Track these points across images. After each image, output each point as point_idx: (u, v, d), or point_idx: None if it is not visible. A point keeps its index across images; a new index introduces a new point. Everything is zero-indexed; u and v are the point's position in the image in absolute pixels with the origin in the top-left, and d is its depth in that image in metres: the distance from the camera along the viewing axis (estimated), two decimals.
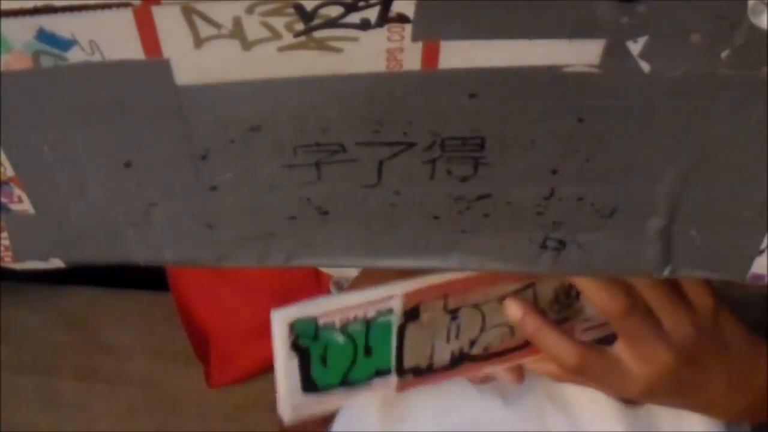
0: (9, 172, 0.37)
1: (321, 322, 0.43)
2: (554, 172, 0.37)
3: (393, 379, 0.46)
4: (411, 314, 0.44)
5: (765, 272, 0.39)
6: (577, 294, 0.46)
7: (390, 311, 0.43)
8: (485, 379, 0.49)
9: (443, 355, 0.46)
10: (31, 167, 0.37)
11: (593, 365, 0.45)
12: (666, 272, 0.40)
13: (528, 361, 0.48)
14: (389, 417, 0.56)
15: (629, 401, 0.52)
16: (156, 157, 0.36)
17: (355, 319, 0.43)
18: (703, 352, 0.45)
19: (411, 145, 0.36)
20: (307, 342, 0.43)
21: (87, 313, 0.89)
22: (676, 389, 0.46)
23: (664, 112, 0.34)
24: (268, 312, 0.73)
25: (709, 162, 0.36)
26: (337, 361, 0.44)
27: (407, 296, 0.43)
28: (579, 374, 0.46)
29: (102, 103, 0.34)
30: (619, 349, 0.45)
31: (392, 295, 0.43)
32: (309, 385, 0.44)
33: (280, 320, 0.42)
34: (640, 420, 0.52)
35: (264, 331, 0.72)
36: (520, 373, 0.49)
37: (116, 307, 0.89)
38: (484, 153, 0.36)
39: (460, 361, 0.47)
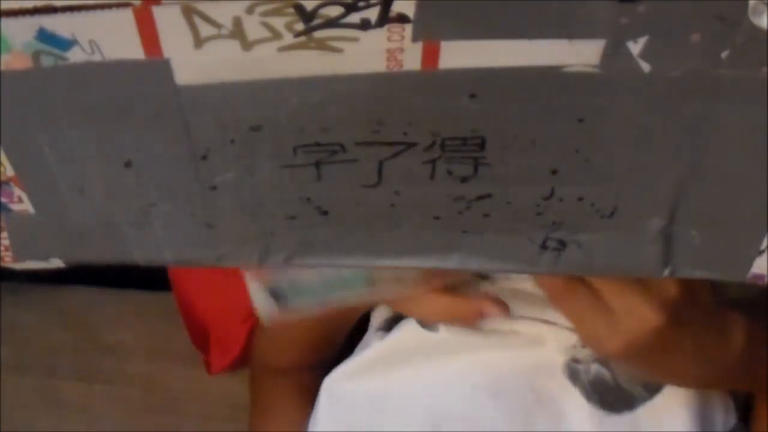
0: (9, 172, 0.37)
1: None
2: (554, 172, 0.37)
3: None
4: None
5: (765, 272, 0.39)
6: None
7: None
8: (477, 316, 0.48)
9: None
10: (31, 167, 0.37)
11: (578, 296, 0.43)
12: (666, 272, 0.40)
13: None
14: (377, 410, 0.56)
15: (613, 407, 0.52)
16: (156, 157, 0.36)
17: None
18: (682, 317, 0.44)
19: (411, 145, 0.36)
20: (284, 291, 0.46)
21: (87, 313, 0.89)
22: (654, 350, 0.44)
23: (664, 112, 0.34)
24: None
25: (709, 162, 0.36)
26: (310, 290, 0.46)
27: None
28: (563, 299, 0.44)
29: (102, 103, 0.34)
30: (608, 294, 0.43)
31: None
32: (284, 307, 0.47)
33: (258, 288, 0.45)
34: (622, 425, 0.52)
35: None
36: (505, 307, 0.47)
37: (116, 307, 0.89)
38: (484, 153, 0.36)
39: None
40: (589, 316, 0.44)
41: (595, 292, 0.43)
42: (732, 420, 0.54)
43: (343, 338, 0.64)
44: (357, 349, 0.60)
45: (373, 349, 0.58)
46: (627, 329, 0.43)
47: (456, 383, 0.55)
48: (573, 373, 0.53)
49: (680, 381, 0.50)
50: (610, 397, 0.52)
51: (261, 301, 0.46)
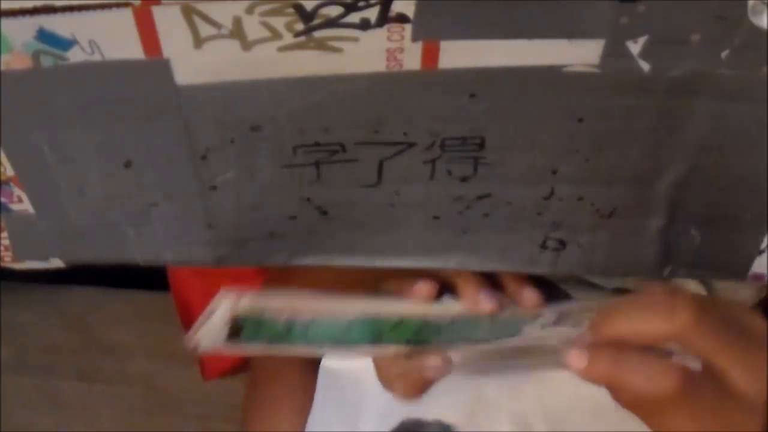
0: (9, 172, 0.37)
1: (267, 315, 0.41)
2: (554, 172, 0.37)
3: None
4: None
5: (765, 272, 0.39)
6: None
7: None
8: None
9: None
10: (31, 167, 0.37)
11: (697, 387, 0.37)
12: (666, 272, 0.40)
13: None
14: (349, 416, 0.56)
15: None
16: (156, 157, 0.36)
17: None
18: None
19: (411, 145, 0.36)
20: (245, 325, 0.41)
21: (87, 313, 0.89)
22: None
23: (664, 112, 0.34)
24: None
25: (708, 162, 0.36)
26: (268, 332, 0.41)
27: None
28: (681, 400, 0.37)
29: (102, 103, 0.34)
30: (723, 363, 0.36)
31: None
32: (233, 342, 0.41)
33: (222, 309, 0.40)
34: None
35: None
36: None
37: (116, 307, 0.89)
38: (484, 153, 0.36)
39: None
40: (720, 407, 0.37)
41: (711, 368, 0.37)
42: None
43: None
44: None
45: None
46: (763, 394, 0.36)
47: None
48: None
49: None
50: None
51: (212, 327, 0.40)
